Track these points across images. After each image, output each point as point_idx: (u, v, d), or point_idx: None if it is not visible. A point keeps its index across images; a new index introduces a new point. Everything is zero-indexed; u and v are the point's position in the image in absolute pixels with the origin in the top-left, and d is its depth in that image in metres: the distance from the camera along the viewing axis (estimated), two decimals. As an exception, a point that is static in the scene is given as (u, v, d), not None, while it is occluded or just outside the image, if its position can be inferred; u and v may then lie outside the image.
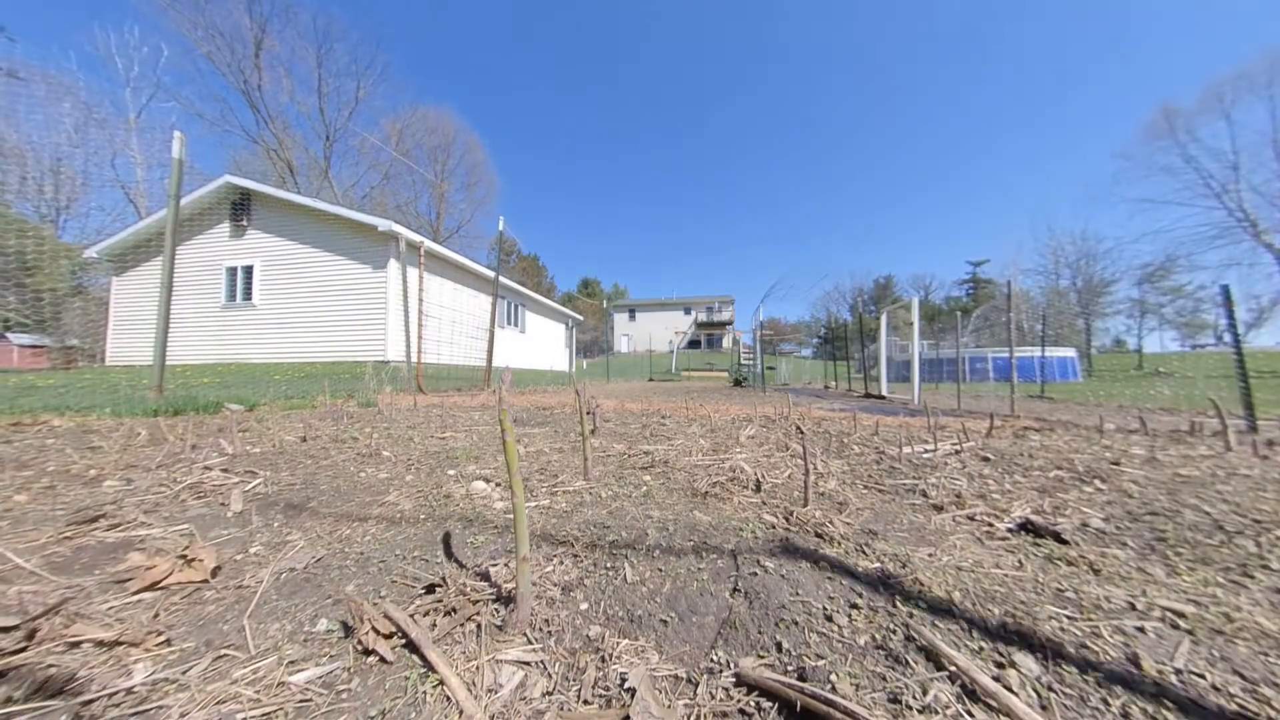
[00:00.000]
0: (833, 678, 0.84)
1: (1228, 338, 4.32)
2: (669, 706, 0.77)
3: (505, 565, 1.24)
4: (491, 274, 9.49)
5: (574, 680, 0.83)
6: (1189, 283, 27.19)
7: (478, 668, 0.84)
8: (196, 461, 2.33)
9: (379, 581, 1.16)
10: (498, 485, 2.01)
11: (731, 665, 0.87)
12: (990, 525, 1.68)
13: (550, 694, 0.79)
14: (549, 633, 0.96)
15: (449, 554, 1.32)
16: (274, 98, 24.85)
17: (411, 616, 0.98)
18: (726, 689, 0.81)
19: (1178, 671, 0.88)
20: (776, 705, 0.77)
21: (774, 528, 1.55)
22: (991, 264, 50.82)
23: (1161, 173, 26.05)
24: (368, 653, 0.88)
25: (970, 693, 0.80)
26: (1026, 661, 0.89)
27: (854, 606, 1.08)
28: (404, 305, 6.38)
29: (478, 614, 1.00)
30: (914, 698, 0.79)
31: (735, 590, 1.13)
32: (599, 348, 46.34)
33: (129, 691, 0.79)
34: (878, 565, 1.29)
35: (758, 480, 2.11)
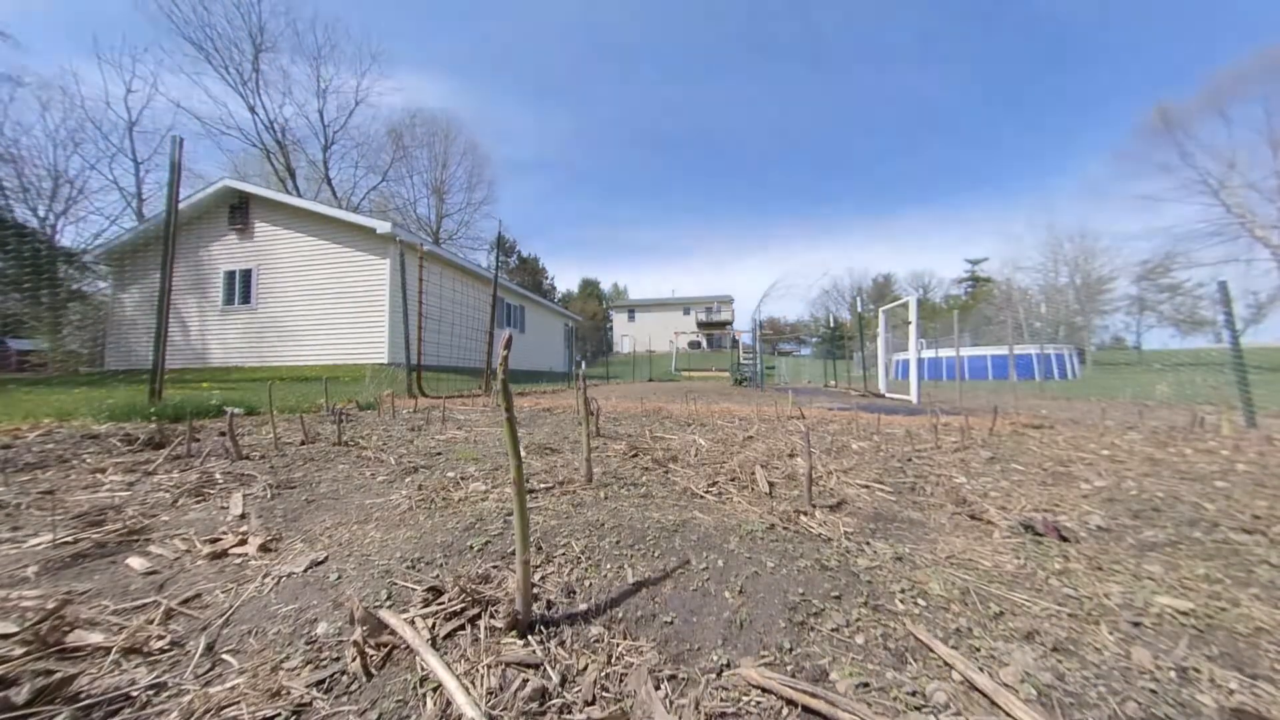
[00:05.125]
0: (833, 677, 0.84)
1: (1226, 334, 4.32)
2: (670, 707, 0.77)
3: (505, 567, 1.24)
4: (491, 276, 9.49)
5: (575, 682, 0.83)
6: (1187, 280, 27.29)
7: (477, 670, 0.84)
8: (196, 465, 2.33)
9: (378, 584, 1.16)
10: (497, 486, 2.01)
11: (732, 665, 0.87)
12: (990, 523, 1.68)
13: (551, 696, 0.79)
14: (550, 634, 0.96)
15: (449, 556, 1.32)
16: (273, 100, 24.84)
17: (411, 620, 0.98)
18: (727, 689, 0.81)
19: (1177, 668, 0.88)
20: (777, 705, 0.77)
21: (774, 528, 1.55)
22: (990, 262, 50.95)
23: (1159, 170, 26.16)
24: (367, 656, 0.88)
25: (969, 691, 0.81)
26: (1026, 659, 0.89)
27: (854, 606, 1.08)
28: (403, 307, 6.38)
29: (478, 616, 1.00)
30: (913, 696, 0.80)
31: (735, 590, 1.14)
32: (599, 348, 46.37)
33: (128, 696, 0.79)
34: (878, 564, 1.30)
35: (757, 480, 2.11)
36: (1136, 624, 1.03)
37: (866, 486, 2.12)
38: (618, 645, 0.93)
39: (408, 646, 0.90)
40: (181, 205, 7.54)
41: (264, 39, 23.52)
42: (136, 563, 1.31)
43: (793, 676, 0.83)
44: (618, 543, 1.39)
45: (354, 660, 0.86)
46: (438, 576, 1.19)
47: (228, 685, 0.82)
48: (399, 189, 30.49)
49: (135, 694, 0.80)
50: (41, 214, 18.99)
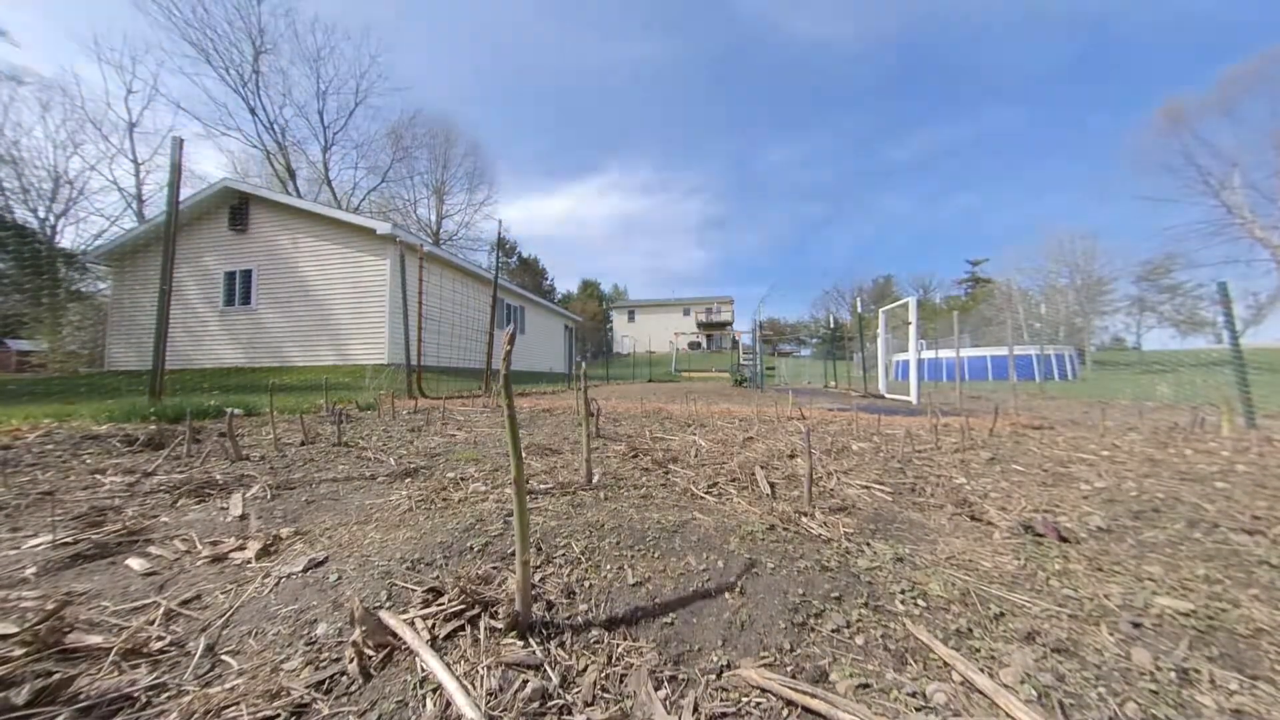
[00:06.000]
0: (833, 677, 0.84)
1: (1226, 335, 4.32)
2: (670, 708, 0.77)
3: (505, 568, 1.24)
4: (491, 276, 9.50)
5: (575, 683, 0.83)
6: (1187, 280, 27.29)
7: (477, 671, 0.84)
8: (195, 466, 2.33)
9: (378, 585, 1.16)
10: (497, 487, 2.01)
11: (732, 666, 0.87)
12: (990, 524, 1.68)
13: (551, 697, 0.79)
14: (550, 635, 0.96)
15: (449, 557, 1.32)
16: (273, 101, 24.85)
17: (410, 621, 0.98)
18: (727, 690, 0.81)
19: (1178, 669, 0.88)
20: (778, 706, 0.77)
21: (774, 528, 1.55)
22: (991, 263, 50.97)
23: (1160, 170, 26.15)
24: (366, 657, 0.88)
25: (970, 692, 0.80)
26: (1026, 660, 0.89)
27: (854, 607, 1.08)
28: (403, 308, 6.38)
29: (478, 617, 1.00)
30: (913, 697, 0.79)
31: (735, 591, 1.13)
32: (599, 348, 46.35)
33: (128, 697, 0.79)
34: (878, 565, 1.29)
35: (758, 481, 2.11)
36: (1137, 625, 1.03)
37: (867, 487, 2.11)
38: (618, 646, 0.93)
39: (407, 647, 0.90)
40: (182, 206, 7.54)
41: (264, 40, 23.53)
42: (136, 563, 1.30)
43: (793, 677, 0.83)
44: (618, 544, 1.39)
45: (353, 661, 0.86)
46: (437, 577, 1.19)
47: (227, 686, 0.82)
48: (399, 190, 30.44)
49: (135, 695, 0.79)
50: (41, 215, 18.98)
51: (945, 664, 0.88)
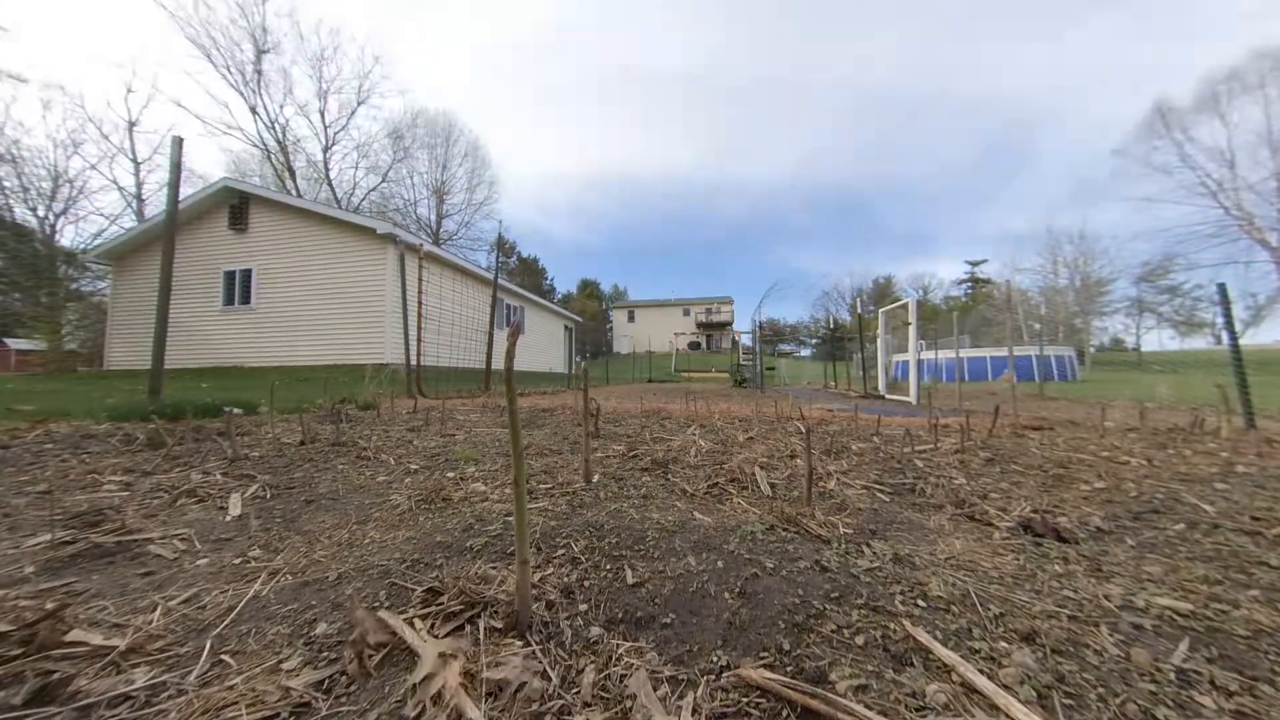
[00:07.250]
0: (832, 678, 0.84)
1: (1225, 336, 4.33)
2: (670, 708, 0.77)
3: (505, 568, 1.23)
4: (490, 276, 9.50)
5: (574, 683, 0.83)
6: (1186, 281, 27.31)
7: (477, 671, 0.84)
8: (195, 465, 2.32)
9: (378, 585, 1.16)
10: (497, 487, 2.01)
11: (732, 666, 0.87)
12: (990, 524, 1.68)
13: (551, 697, 0.79)
14: (549, 635, 0.96)
15: (448, 557, 1.32)
16: (274, 101, 24.84)
17: (410, 620, 0.98)
18: (727, 690, 0.81)
19: (1177, 670, 0.88)
20: (777, 706, 0.77)
21: (774, 529, 1.55)
22: (990, 263, 51.08)
23: (1158, 171, 26.18)
24: (365, 657, 0.87)
25: (969, 693, 0.80)
26: (1025, 660, 0.89)
27: (854, 607, 1.08)
28: (403, 308, 6.38)
29: (477, 617, 1.00)
30: (912, 698, 0.79)
31: (735, 592, 1.13)
32: (598, 348, 46.33)
33: (127, 696, 0.79)
34: (877, 565, 1.29)
35: (757, 481, 2.11)
36: (1137, 626, 1.03)
37: (866, 487, 2.11)
38: (617, 647, 0.93)
39: (407, 647, 0.90)
40: (181, 205, 7.54)
41: (266, 40, 23.53)
42: (135, 563, 1.30)
43: (792, 678, 0.83)
44: (617, 543, 1.39)
45: (353, 661, 0.86)
46: (437, 577, 1.19)
47: (226, 685, 0.81)
48: (399, 190, 30.43)
49: (134, 694, 0.79)
50: (41, 214, 18.94)
51: (945, 665, 0.87)
